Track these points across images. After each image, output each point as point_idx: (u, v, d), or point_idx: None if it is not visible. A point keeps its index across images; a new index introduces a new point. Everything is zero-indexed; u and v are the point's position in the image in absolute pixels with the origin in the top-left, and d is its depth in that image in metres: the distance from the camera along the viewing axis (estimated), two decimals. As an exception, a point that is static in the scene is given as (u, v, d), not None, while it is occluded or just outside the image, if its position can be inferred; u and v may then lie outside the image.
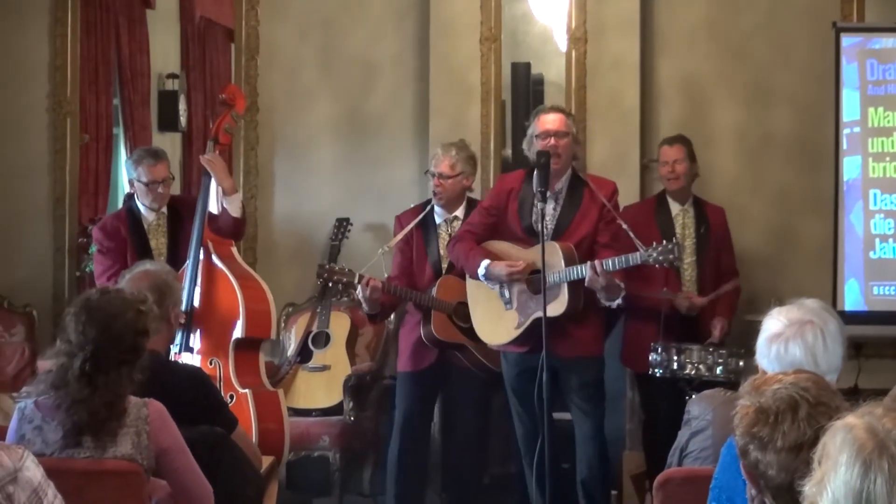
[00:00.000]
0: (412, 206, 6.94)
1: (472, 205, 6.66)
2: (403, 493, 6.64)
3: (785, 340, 3.41)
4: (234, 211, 6.53)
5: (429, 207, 6.71)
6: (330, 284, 6.81)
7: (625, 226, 5.89)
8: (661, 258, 5.72)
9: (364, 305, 6.51)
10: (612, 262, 5.77)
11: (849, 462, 2.14)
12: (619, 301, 5.95)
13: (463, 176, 6.63)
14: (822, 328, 3.41)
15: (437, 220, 6.68)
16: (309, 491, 7.02)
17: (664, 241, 5.76)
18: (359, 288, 6.41)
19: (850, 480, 2.13)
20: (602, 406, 6.19)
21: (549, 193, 6.05)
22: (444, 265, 6.60)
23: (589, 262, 5.79)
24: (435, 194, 6.64)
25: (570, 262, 5.91)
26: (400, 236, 6.66)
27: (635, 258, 5.76)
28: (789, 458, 2.55)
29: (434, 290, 6.53)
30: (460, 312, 6.48)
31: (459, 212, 6.65)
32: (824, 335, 3.40)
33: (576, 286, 5.90)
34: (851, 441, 2.15)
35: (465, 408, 6.68)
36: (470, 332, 6.43)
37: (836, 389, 2.68)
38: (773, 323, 3.47)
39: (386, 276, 6.63)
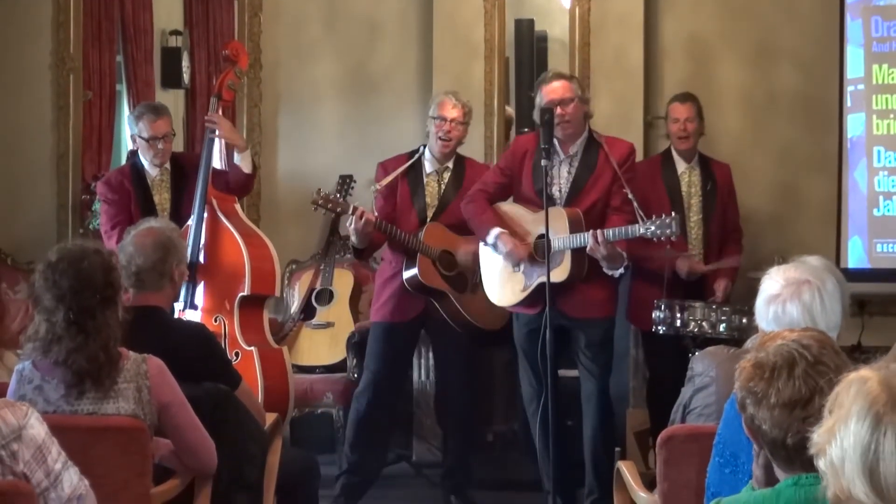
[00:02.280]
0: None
1: (459, 160, 6.61)
2: (361, 459, 6.54)
3: (782, 302, 3.41)
4: (247, 167, 6.55)
5: (417, 156, 6.61)
6: (324, 212, 6.69)
7: (630, 195, 5.89)
8: (658, 231, 5.74)
9: (353, 238, 6.48)
10: (612, 233, 5.79)
11: (860, 414, 2.15)
12: (621, 270, 5.96)
13: (467, 126, 6.60)
14: (820, 287, 3.42)
15: (428, 168, 6.58)
16: (313, 448, 7.02)
17: (662, 215, 5.76)
18: (351, 219, 6.35)
19: (859, 432, 2.14)
20: (609, 365, 6.22)
21: (563, 157, 6.07)
22: (430, 213, 6.54)
23: (591, 231, 5.80)
24: (445, 139, 6.49)
25: (575, 228, 5.91)
26: (390, 178, 6.52)
27: (634, 230, 5.78)
28: (783, 415, 2.55)
29: (421, 235, 6.49)
30: (444, 260, 6.48)
31: (451, 163, 6.59)
32: (821, 294, 3.41)
33: (579, 253, 5.90)
34: (865, 394, 2.16)
35: (447, 367, 6.67)
36: (452, 281, 6.45)
37: (839, 349, 2.68)
38: (771, 284, 3.48)
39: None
